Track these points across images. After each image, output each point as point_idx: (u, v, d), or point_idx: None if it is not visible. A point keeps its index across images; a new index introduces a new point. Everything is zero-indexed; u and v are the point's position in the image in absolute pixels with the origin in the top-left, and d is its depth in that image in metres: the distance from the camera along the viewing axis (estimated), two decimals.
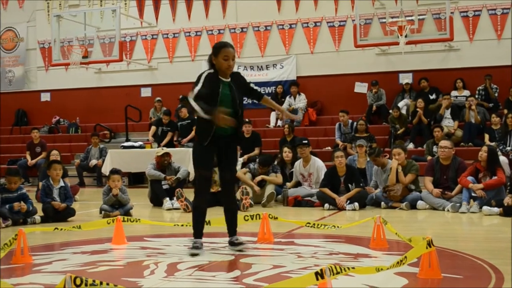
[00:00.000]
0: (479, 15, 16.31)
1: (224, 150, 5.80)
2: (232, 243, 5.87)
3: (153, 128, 16.35)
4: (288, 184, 10.79)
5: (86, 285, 3.16)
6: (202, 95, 5.47)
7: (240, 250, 5.76)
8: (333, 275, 3.42)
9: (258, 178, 10.53)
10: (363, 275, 4.33)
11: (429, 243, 4.39)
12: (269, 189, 10.31)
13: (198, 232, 5.76)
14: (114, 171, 9.41)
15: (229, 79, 5.72)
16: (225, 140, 5.73)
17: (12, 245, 5.39)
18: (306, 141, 10.85)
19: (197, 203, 5.85)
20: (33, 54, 20.92)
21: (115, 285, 3.28)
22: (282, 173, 10.95)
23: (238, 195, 9.63)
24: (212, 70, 5.69)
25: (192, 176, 12.39)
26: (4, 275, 4.68)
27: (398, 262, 4.03)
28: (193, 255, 5.53)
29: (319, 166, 10.66)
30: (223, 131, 5.59)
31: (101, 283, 3.21)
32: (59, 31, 17.70)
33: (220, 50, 5.64)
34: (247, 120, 14.82)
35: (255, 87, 6.06)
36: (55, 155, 11.90)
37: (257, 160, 11.20)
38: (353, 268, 3.67)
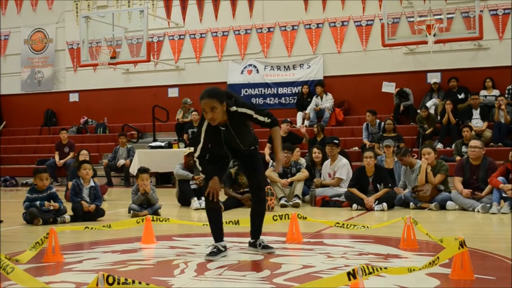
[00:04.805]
0: (509, 13, 16.09)
1: (246, 159, 5.73)
2: (254, 245, 5.79)
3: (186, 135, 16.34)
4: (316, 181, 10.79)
5: (118, 283, 3.18)
6: (204, 155, 5.43)
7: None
8: (365, 275, 3.40)
9: (288, 180, 10.48)
10: (395, 275, 4.29)
11: (462, 244, 4.34)
12: (298, 188, 10.35)
13: (217, 235, 5.64)
14: (142, 170, 9.39)
15: (226, 122, 5.36)
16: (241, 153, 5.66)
17: (43, 243, 5.43)
18: (337, 141, 10.87)
19: (209, 206, 5.65)
20: (61, 55, 21.11)
21: (146, 284, 3.29)
22: (311, 173, 10.96)
23: None
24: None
25: None
26: (35, 274, 4.72)
27: (430, 263, 3.99)
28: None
29: (342, 163, 10.75)
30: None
31: (133, 281, 3.22)
32: (87, 32, 17.85)
33: (200, 102, 5.23)
34: (288, 119, 14.80)
35: (259, 117, 5.41)
36: (84, 155, 12.02)
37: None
38: (385, 268, 3.64)
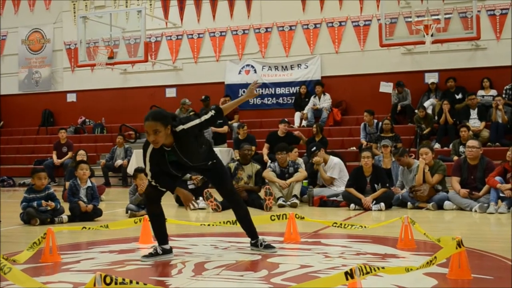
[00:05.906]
0: (506, 13, 16.13)
1: (209, 173, 5.82)
2: (256, 245, 5.79)
3: None
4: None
5: (116, 283, 3.17)
6: (157, 174, 5.49)
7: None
8: (363, 275, 3.39)
9: (287, 182, 10.50)
10: (392, 275, 4.29)
11: (459, 244, 4.34)
12: (296, 188, 10.37)
13: (160, 238, 5.68)
14: (140, 170, 9.35)
15: (172, 144, 5.32)
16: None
17: (41, 244, 5.43)
18: (313, 149, 11.03)
19: (151, 210, 5.79)
20: (59, 55, 21.12)
21: (144, 284, 3.29)
22: (313, 173, 11.01)
23: (262, 195, 9.72)
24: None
25: None
26: (33, 274, 4.71)
27: (427, 263, 3.98)
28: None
29: (333, 163, 10.88)
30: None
31: (130, 281, 3.22)
32: (85, 32, 17.85)
33: (144, 124, 5.17)
34: (286, 119, 14.81)
35: (206, 116, 5.35)
36: (82, 155, 12.00)
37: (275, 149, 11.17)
38: (382, 268, 3.64)
